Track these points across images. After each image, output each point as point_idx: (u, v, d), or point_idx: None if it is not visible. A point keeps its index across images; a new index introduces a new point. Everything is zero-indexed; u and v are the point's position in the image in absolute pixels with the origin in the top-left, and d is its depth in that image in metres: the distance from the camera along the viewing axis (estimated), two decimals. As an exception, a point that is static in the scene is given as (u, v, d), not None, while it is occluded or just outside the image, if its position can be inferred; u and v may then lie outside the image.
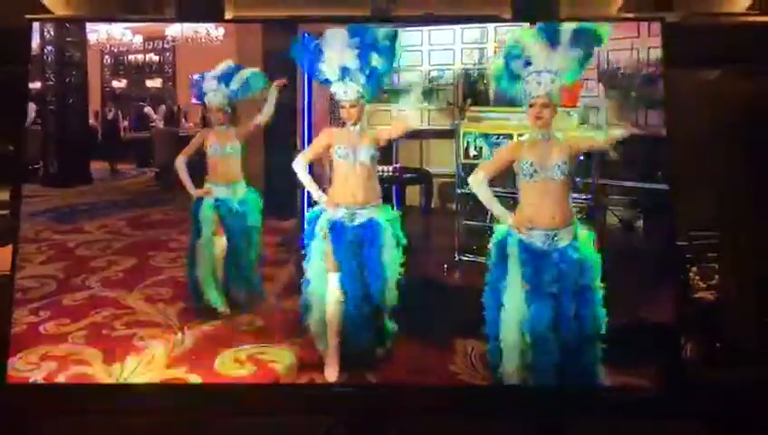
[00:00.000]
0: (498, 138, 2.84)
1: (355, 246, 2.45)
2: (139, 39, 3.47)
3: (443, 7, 2.94)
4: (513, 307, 2.27)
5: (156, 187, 3.24)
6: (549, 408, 2.40)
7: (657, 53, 2.54)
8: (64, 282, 2.73)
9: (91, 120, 3.25)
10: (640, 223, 2.89)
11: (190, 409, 2.46)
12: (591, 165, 2.73)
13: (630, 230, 2.91)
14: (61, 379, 2.42)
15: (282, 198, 2.99)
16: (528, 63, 2.26)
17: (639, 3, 3.13)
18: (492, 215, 2.44)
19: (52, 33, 3.02)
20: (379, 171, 2.55)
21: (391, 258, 2.45)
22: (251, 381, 2.45)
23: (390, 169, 3.04)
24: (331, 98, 2.68)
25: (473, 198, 2.46)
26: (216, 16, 2.96)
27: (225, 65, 2.77)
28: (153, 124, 3.44)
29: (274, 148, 2.85)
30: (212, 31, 3.25)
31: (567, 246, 2.25)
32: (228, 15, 2.99)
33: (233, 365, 2.49)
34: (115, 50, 3.43)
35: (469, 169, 2.66)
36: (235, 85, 2.76)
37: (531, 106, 2.26)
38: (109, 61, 3.45)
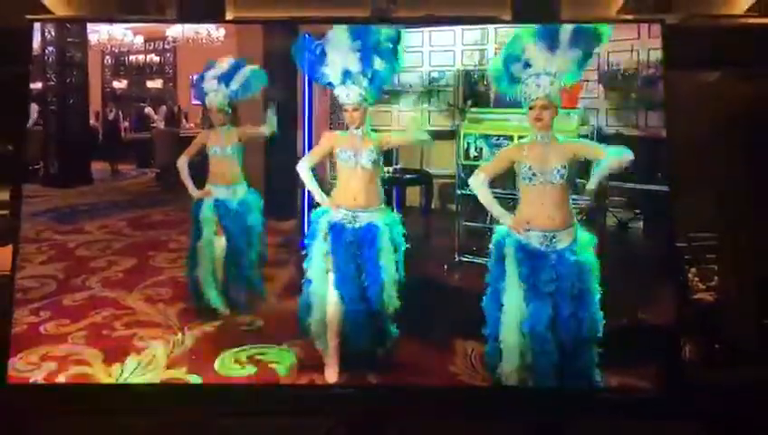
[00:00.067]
0: (498, 139, 2.84)
1: (354, 247, 2.45)
2: (139, 40, 3.47)
3: (443, 8, 2.94)
4: (512, 307, 2.28)
5: (156, 187, 3.23)
6: (549, 409, 2.41)
7: (657, 55, 2.55)
8: (65, 282, 2.73)
9: (92, 121, 3.25)
10: (640, 224, 2.90)
11: (190, 409, 2.46)
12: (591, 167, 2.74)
13: (630, 231, 2.91)
14: (61, 379, 2.42)
15: (282, 199, 3.00)
16: (527, 66, 2.27)
17: (639, 5, 3.14)
18: (492, 216, 2.44)
19: (53, 33, 3.02)
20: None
21: (389, 262, 2.44)
22: (251, 382, 2.45)
23: (391, 169, 3.04)
24: (332, 100, 2.68)
25: (473, 199, 2.46)
26: (216, 17, 2.96)
27: (225, 62, 2.77)
28: (154, 125, 3.44)
29: (275, 149, 2.85)
30: (213, 32, 3.26)
31: (565, 248, 2.25)
32: (229, 16, 2.99)
33: (233, 366, 2.49)
34: (116, 50, 3.43)
35: (469, 170, 2.66)
36: (235, 85, 2.76)
37: (530, 108, 2.26)
38: (110, 61, 3.45)
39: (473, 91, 3.03)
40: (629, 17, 3.03)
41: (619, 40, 2.60)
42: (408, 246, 2.49)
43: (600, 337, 2.27)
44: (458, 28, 3.07)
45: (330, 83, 2.47)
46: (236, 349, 2.55)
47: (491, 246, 2.35)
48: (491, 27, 2.92)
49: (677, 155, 2.48)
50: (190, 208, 2.80)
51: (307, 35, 2.52)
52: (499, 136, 2.85)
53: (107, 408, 2.43)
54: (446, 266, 2.96)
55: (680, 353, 2.53)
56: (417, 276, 2.54)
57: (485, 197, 2.34)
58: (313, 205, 2.54)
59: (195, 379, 2.44)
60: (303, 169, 2.53)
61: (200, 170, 2.81)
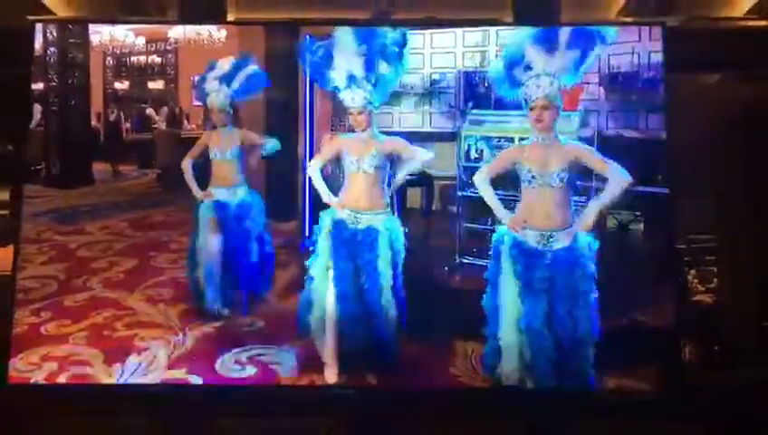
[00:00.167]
0: (499, 141, 2.85)
1: (353, 247, 2.46)
2: (141, 41, 3.47)
3: (444, 10, 2.95)
4: (508, 304, 2.30)
5: (157, 188, 3.23)
6: (549, 410, 2.41)
7: (657, 57, 2.55)
8: (65, 283, 2.72)
9: (94, 122, 3.25)
10: (640, 226, 2.90)
11: (191, 410, 2.46)
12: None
13: (630, 233, 2.91)
14: (61, 379, 2.42)
15: (283, 200, 3.00)
16: (528, 68, 2.28)
17: (640, 7, 3.14)
18: (493, 218, 2.45)
19: (54, 34, 3.02)
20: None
21: (387, 268, 2.45)
22: (251, 383, 2.45)
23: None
24: (333, 103, 2.69)
25: (474, 201, 2.47)
26: (218, 18, 2.97)
27: (227, 63, 2.77)
28: (155, 126, 3.44)
29: (276, 151, 2.85)
30: (214, 33, 3.26)
31: (562, 248, 2.26)
32: (231, 17, 3.00)
33: (233, 366, 2.49)
34: (118, 51, 3.43)
35: (470, 172, 2.67)
36: (236, 85, 2.77)
37: (531, 109, 2.27)
38: (111, 62, 3.45)
39: (474, 93, 3.04)
40: (630, 20, 3.04)
41: (619, 42, 2.60)
42: (406, 246, 2.50)
43: (597, 338, 2.27)
44: (459, 30, 3.07)
45: (336, 87, 2.47)
46: (237, 350, 2.55)
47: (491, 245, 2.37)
48: (492, 29, 2.92)
49: (678, 157, 2.49)
50: (191, 209, 2.80)
51: (309, 37, 2.52)
52: (500, 138, 2.85)
53: (107, 408, 2.43)
54: (446, 268, 2.97)
55: (680, 355, 2.53)
56: (417, 278, 2.54)
57: (487, 193, 2.38)
58: (319, 206, 2.55)
59: (195, 379, 2.44)
60: (314, 169, 2.56)
61: (205, 172, 2.81)
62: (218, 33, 3.24)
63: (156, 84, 3.66)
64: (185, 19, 3.05)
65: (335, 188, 2.54)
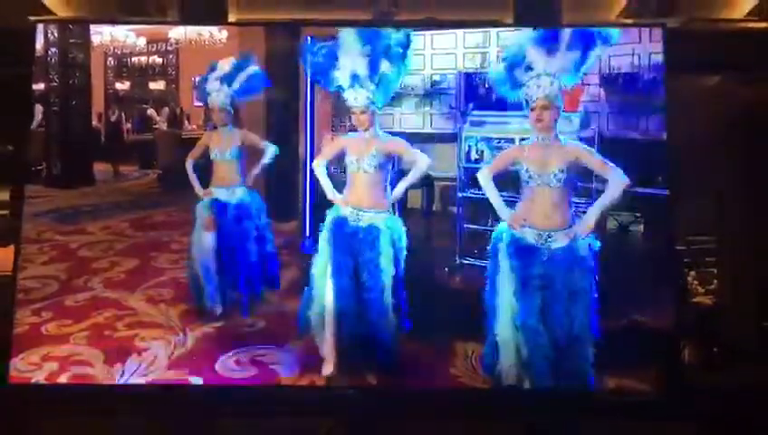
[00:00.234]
0: (500, 142, 2.85)
1: (354, 244, 2.47)
2: (142, 41, 3.47)
3: (445, 12, 2.95)
4: (505, 300, 2.31)
5: (158, 188, 3.24)
6: (548, 410, 2.41)
7: (658, 59, 2.56)
8: (66, 283, 2.73)
9: (95, 122, 3.25)
10: (641, 228, 2.90)
11: (191, 410, 2.46)
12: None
13: (630, 235, 2.92)
14: (62, 379, 2.42)
15: (283, 200, 3.01)
16: (529, 69, 2.29)
17: (641, 8, 3.14)
18: (494, 219, 2.46)
19: (55, 34, 3.02)
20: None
21: (389, 266, 2.45)
22: (252, 383, 2.45)
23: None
24: (334, 103, 2.69)
25: (474, 201, 2.48)
26: (219, 19, 2.97)
27: (228, 64, 2.78)
28: (156, 126, 3.44)
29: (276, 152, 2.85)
30: (215, 33, 3.26)
31: (560, 248, 2.27)
32: (231, 18, 3.00)
33: (234, 367, 2.50)
34: (118, 52, 3.43)
35: (471, 172, 2.68)
36: (237, 85, 2.78)
37: (532, 109, 2.28)
38: (112, 63, 3.45)
39: (474, 94, 3.04)
40: (631, 21, 3.04)
41: (620, 44, 2.61)
42: (407, 246, 2.50)
43: (596, 338, 2.28)
44: (460, 31, 3.08)
45: (339, 87, 2.48)
46: (237, 350, 2.56)
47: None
48: (493, 30, 2.92)
49: (678, 159, 2.49)
50: (192, 209, 2.81)
51: (311, 38, 2.53)
52: (500, 139, 2.86)
53: (108, 408, 2.43)
54: (446, 269, 2.97)
55: (680, 356, 2.54)
56: (418, 278, 2.55)
57: (490, 190, 2.39)
58: (322, 206, 2.55)
59: (196, 380, 2.45)
60: (319, 167, 2.58)
61: (207, 172, 2.83)
62: (219, 34, 3.24)
63: (157, 85, 3.66)
64: (186, 20, 3.05)
65: (340, 187, 2.55)
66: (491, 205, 2.41)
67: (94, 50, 3.17)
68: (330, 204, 2.54)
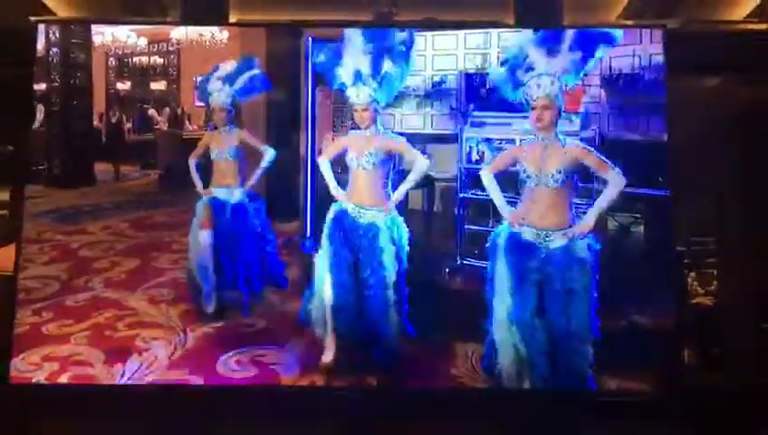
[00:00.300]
0: (501, 143, 2.85)
1: (354, 239, 2.48)
2: (143, 41, 3.47)
3: (446, 13, 2.96)
4: (501, 296, 2.32)
5: (159, 189, 3.24)
6: (548, 410, 2.42)
7: (658, 60, 2.56)
8: (67, 283, 2.74)
9: (96, 122, 3.25)
10: (641, 228, 2.90)
11: (192, 410, 2.46)
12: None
13: (631, 235, 2.92)
14: (63, 379, 2.43)
15: (284, 200, 3.01)
16: (530, 69, 2.29)
17: (641, 10, 3.15)
18: (495, 220, 2.47)
19: (57, 34, 3.02)
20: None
21: (392, 261, 2.46)
22: (252, 383, 2.46)
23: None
24: (335, 103, 2.70)
25: (475, 202, 2.48)
26: (220, 20, 2.97)
27: (230, 65, 2.79)
28: (157, 126, 3.44)
29: (277, 151, 2.85)
30: (216, 34, 3.26)
31: (558, 248, 2.27)
32: (233, 19, 3.01)
33: (234, 367, 2.50)
34: (120, 52, 3.43)
35: (471, 173, 2.68)
36: (238, 85, 2.78)
37: (532, 109, 2.29)
38: (113, 63, 3.45)
39: (475, 95, 3.04)
40: (631, 22, 3.05)
41: (621, 45, 2.61)
42: (406, 250, 2.51)
43: (596, 338, 2.28)
44: (461, 32, 3.08)
45: (342, 84, 2.49)
46: (238, 350, 2.56)
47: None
48: (493, 31, 2.93)
49: (678, 159, 2.50)
50: (194, 209, 2.81)
51: (311, 38, 2.54)
52: (501, 140, 2.86)
53: (108, 408, 2.44)
54: (447, 269, 2.97)
55: (680, 356, 2.54)
56: (419, 279, 2.55)
57: (492, 187, 2.40)
58: (325, 204, 2.56)
59: (196, 380, 2.45)
60: (324, 163, 2.59)
61: (210, 171, 2.83)
62: (220, 35, 3.24)
63: (158, 85, 3.66)
64: (187, 20, 3.05)
65: (344, 186, 2.56)
66: (492, 206, 2.42)
67: (95, 50, 3.17)
68: (331, 204, 2.55)
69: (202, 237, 2.79)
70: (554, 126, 2.29)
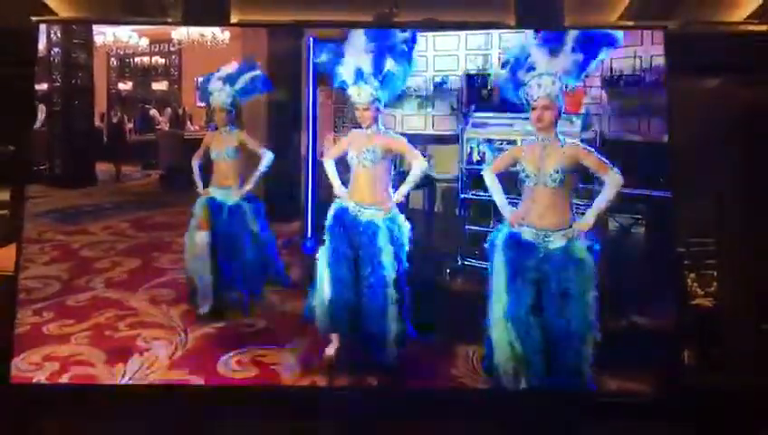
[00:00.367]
0: (502, 143, 2.86)
1: (354, 235, 2.49)
2: (145, 42, 3.48)
3: (447, 13, 2.96)
4: (497, 294, 2.33)
5: (160, 189, 3.24)
6: (548, 410, 2.42)
7: (659, 61, 2.56)
8: (68, 283, 2.74)
9: (97, 122, 3.26)
10: (641, 229, 2.91)
11: (192, 410, 2.46)
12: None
13: (631, 236, 2.92)
14: (64, 379, 2.43)
15: (285, 200, 3.01)
16: (531, 69, 2.30)
17: (642, 11, 3.15)
18: (495, 221, 2.48)
19: (58, 34, 3.03)
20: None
21: (389, 262, 2.46)
22: (253, 383, 2.46)
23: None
24: (336, 104, 2.70)
25: (476, 203, 2.48)
26: (221, 20, 2.97)
27: (231, 66, 2.79)
28: (158, 126, 3.45)
29: (277, 151, 2.85)
30: (218, 34, 3.27)
31: (558, 248, 2.27)
32: (234, 19, 3.01)
33: (235, 367, 2.50)
34: (121, 52, 3.44)
35: (472, 174, 2.68)
36: (239, 86, 2.78)
37: (533, 109, 2.29)
38: (115, 63, 3.46)
39: (476, 96, 3.04)
40: (632, 23, 3.05)
41: (622, 46, 2.61)
42: (407, 248, 2.51)
43: (597, 338, 2.28)
44: (462, 33, 3.08)
45: (343, 82, 2.50)
46: (238, 350, 2.56)
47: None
48: (495, 32, 2.93)
49: (679, 160, 2.50)
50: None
51: (312, 39, 2.54)
52: (502, 140, 2.86)
53: (109, 408, 2.44)
54: (448, 270, 2.97)
55: (679, 357, 2.54)
56: (419, 279, 2.55)
57: (493, 186, 2.41)
58: (320, 205, 2.57)
59: (197, 380, 2.45)
60: (329, 162, 2.60)
61: (211, 172, 2.83)
62: (221, 35, 3.24)
63: (159, 85, 3.66)
64: (188, 20, 3.05)
65: (346, 185, 2.56)
66: (493, 206, 2.42)
67: (97, 50, 3.18)
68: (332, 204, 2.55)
69: (199, 238, 2.79)
70: (554, 126, 2.29)
